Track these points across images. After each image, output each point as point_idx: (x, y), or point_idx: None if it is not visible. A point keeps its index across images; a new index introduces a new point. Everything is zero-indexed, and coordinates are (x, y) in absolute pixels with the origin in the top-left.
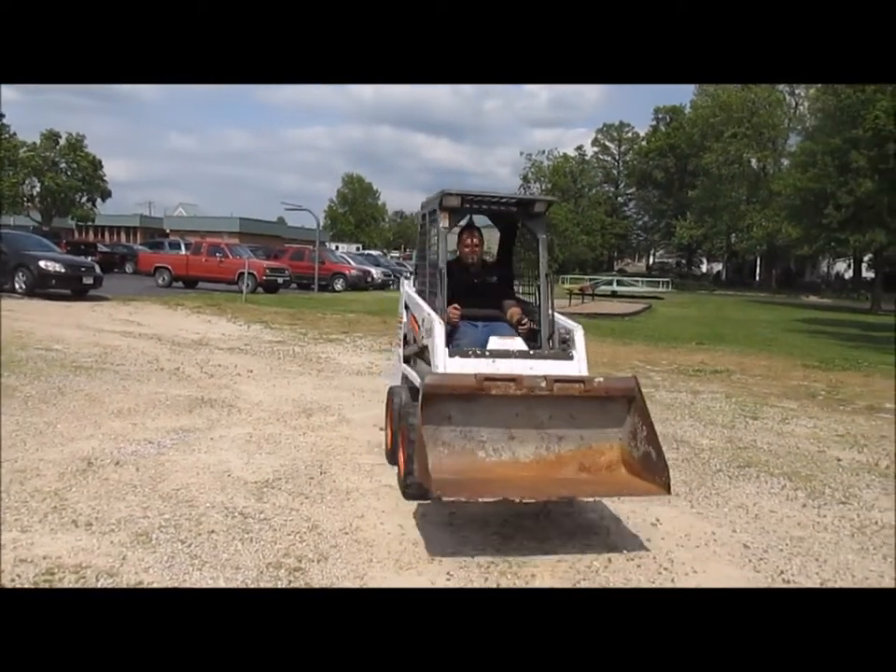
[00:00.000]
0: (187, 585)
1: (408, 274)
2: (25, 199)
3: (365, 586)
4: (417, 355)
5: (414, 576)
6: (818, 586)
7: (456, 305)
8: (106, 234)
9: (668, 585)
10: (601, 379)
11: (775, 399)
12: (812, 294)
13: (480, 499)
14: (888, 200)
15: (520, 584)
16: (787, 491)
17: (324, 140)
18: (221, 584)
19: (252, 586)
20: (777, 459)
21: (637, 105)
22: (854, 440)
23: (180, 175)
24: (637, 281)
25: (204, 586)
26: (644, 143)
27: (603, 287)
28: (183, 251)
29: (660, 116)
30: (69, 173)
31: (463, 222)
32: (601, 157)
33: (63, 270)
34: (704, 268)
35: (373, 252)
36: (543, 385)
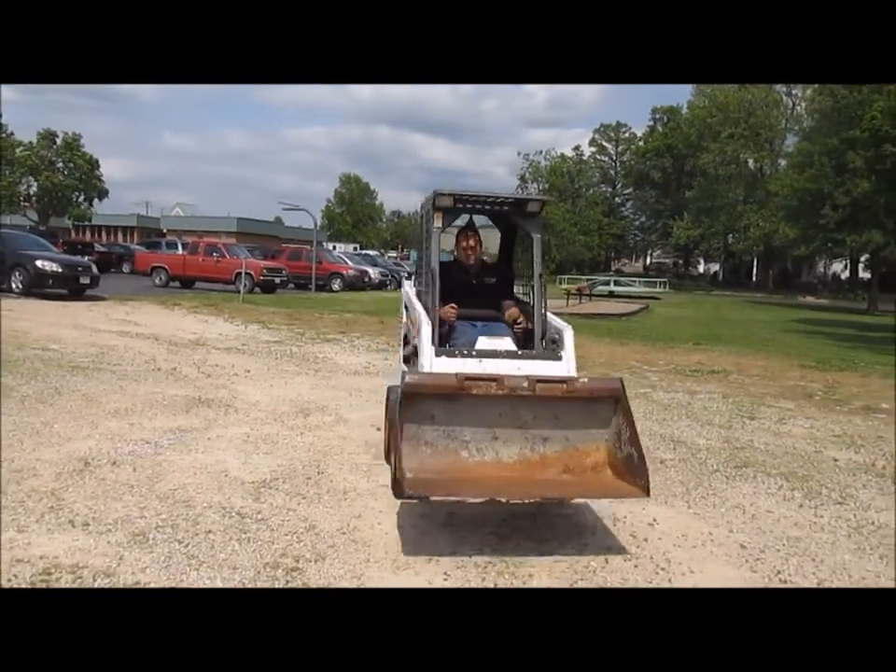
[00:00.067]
0: (184, 585)
1: (407, 274)
2: (22, 198)
3: (362, 586)
4: (413, 354)
5: (412, 576)
6: (814, 586)
7: (453, 305)
8: (103, 234)
9: (665, 585)
10: (585, 380)
11: (772, 400)
12: (809, 294)
13: (457, 499)
14: (884, 200)
15: (517, 584)
16: (784, 491)
17: (322, 140)
18: (218, 584)
19: (249, 586)
20: (773, 459)
21: (635, 106)
22: (851, 440)
23: (177, 175)
24: (635, 281)
25: (201, 586)
26: (641, 143)
27: (600, 288)
28: (180, 251)
29: (657, 116)
30: (66, 172)
31: (461, 222)
32: (598, 157)
33: (59, 269)
34: (701, 268)
35: (371, 252)
36: (525, 385)
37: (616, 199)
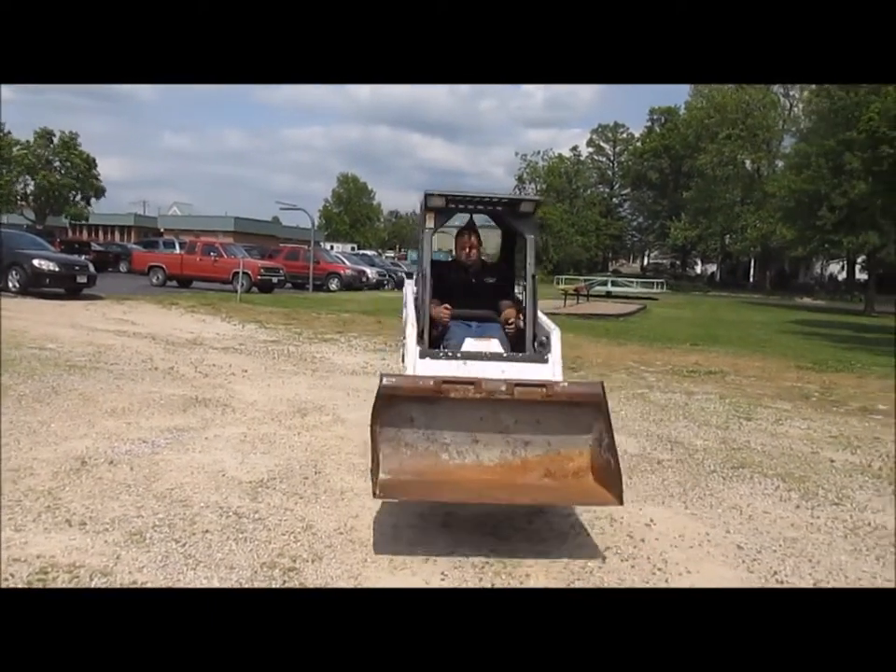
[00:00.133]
0: (181, 585)
1: (407, 274)
2: (19, 197)
3: (360, 586)
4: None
5: (409, 576)
6: (811, 586)
7: (447, 305)
8: (100, 233)
9: (662, 585)
10: (565, 384)
11: (768, 401)
12: (806, 295)
13: (432, 500)
14: (881, 202)
15: (514, 584)
16: (780, 492)
17: (320, 140)
18: (215, 584)
19: (246, 586)
20: (770, 460)
21: (632, 107)
22: (847, 441)
23: (175, 175)
24: (632, 282)
25: (198, 586)
26: (639, 144)
27: (598, 288)
28: (177, 250)
29: (655, 117)
30: (63, 171)
31: (458, 222)
32: (596, 157)
33: (56, 268)
34: (698, 269)
35: (368, 252)
36: (503, 388)
37: (613, 199)
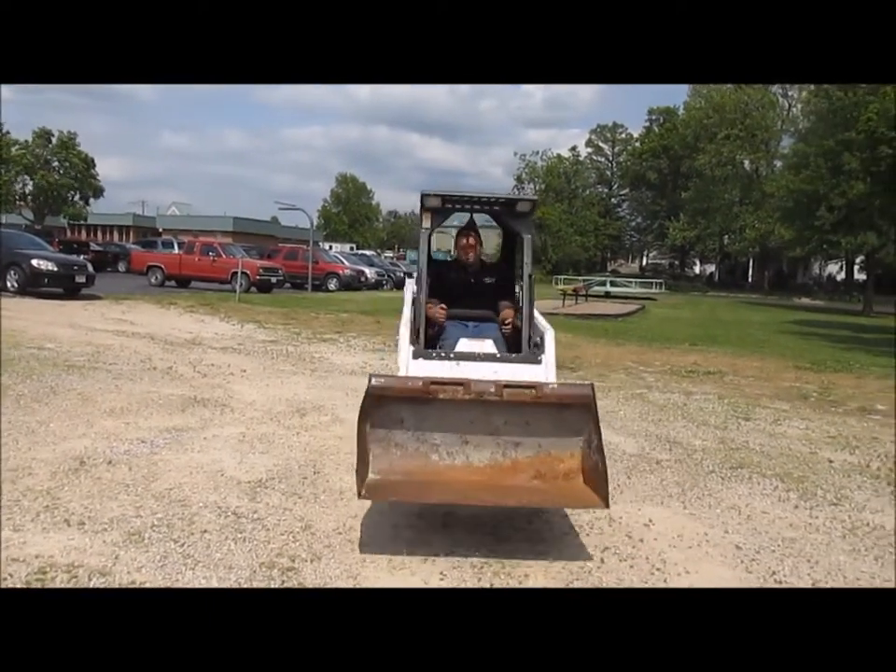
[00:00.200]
0: (179, 585)
1: (408, 274)
2: (17, 197)
3: (358, 586)
4: None
5: (408, 576)
6: (809, 586)
7: (443, 305)
8: (99, 233)
9: (661, 586)
10: (554, 385)
11: (767, 401)
12: (804, 296)
13: (420, 502)
14: (879, 202)
15: (513, 584)
16: (779, 492)
17: (319, 140)
18: (214, 584)
19: (245, 586)
20: (769, 460)
21: (631, 107)
22: (846, 441)
23: (174, 174)
24: (631, 282)
25: (197, 586)
26: (637, 144)
27: (596, 288)
28: (176, 250)
29: (653, 117)
30: (61, 171)
31: (457, 221)
32: (595, 158)
33: (55, 268)
34: (697, 269)
35: (367, 252)
36: (492, 390)
37: (612, 200)
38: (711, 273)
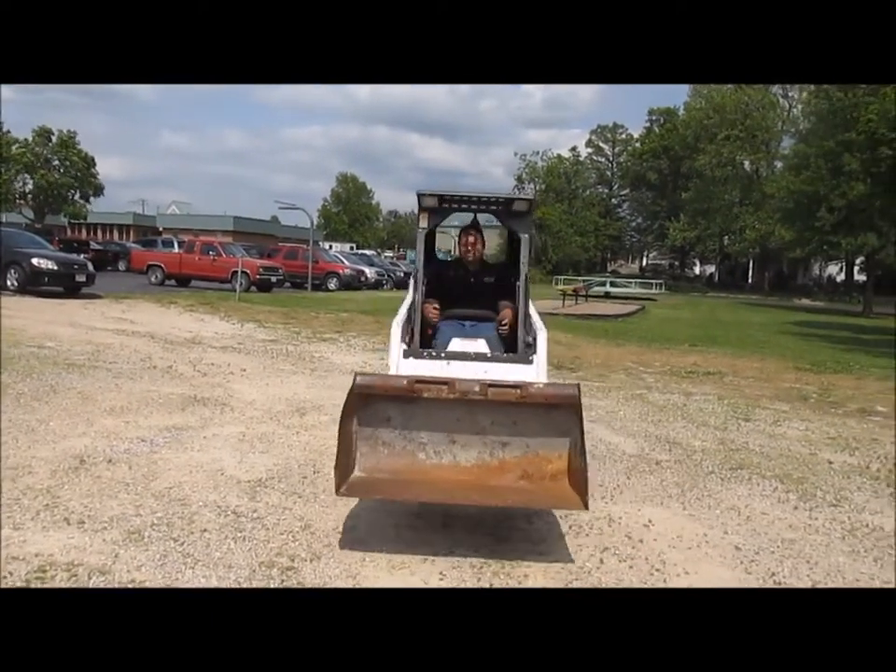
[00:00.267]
0: (179, 583)
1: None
2: (17, 196)
3: (358, 586)
4: None
5: (407, 575)
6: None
7: (436, 305)
8: (99, 232)
9: (661, 586)
10: (540, 385)
11: (767, 402)
12: (804, 297)
13: (404, 500)
14: (880, 203)
15: (512, 584)
16: (778, 493)
17: (319, 139)
18: (213, 583)
19: (244, 585)
20: (768, 461)
21: (631, 107)
22: (845, 442)
23: (174, 174)
24: (631, 282)
25: (197, 585)
26: (638, 144)
27: (596, 289)
28: (176, 249)
29: (654, 117)
30: (62, 170)
31: (456, 221)
32: (595, 158)
33: (55, 267)
34: (697, 270)
35: (367, 251)
36: (477, 389)
37: (612, 200)
38: (711, 274)
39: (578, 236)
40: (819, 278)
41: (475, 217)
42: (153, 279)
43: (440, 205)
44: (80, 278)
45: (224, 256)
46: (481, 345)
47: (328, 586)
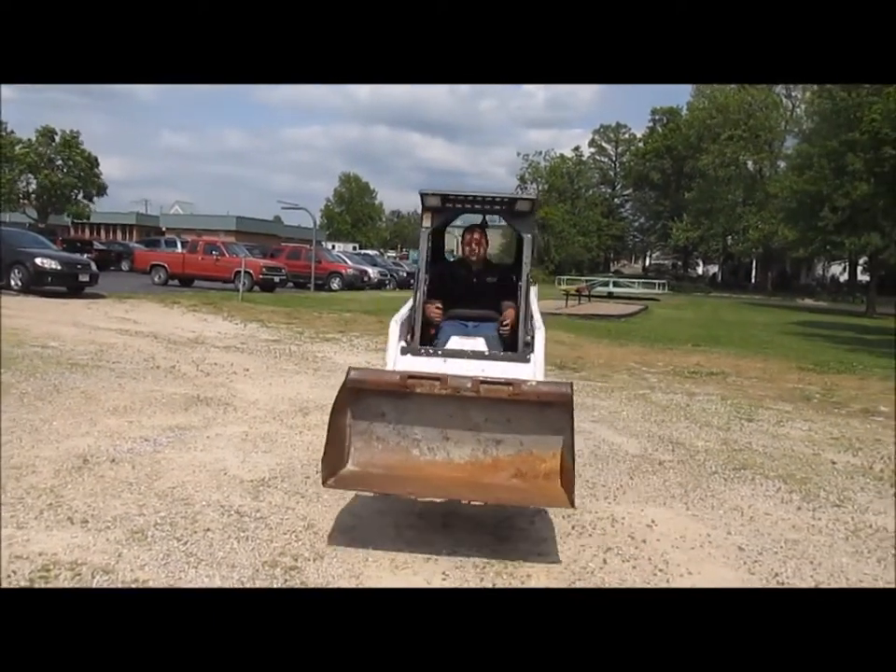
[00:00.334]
0: (182, 583)
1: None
2: (21, 196)
3: (361, 586)
4: None
5: (410, 575)
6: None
7: (439, 304)
8: (102, 232)
9: (664, 586)
10: (533, 382)
11: (770, 402)
12: (807, 297)
13: (394, 494)
14: (883, 203)
15: (515, 584)
16: (782, 494)
17: (320, 140)
18: (217, 582)
19: (248, 585)
20: (772, 462)
21: (634, 107)
22: (849, 443)
23: (176, 174)
24: (634, 282)
25: (200, 584)
26: (641, 144)
27: (599, 289)
28: (179, 249)
29: (657, 117)
30: (65, 170)
31: (459, 221)
32: (598, 158)
33: (59, 267)
34: (700, 270)
35: (370, 251)
36: (469, 385)
37: (615, 200)
38: (714, 274)
39: (581, 236)
40: (822, 278)
41: (484, 217)
42: (156, 279)
43: (442, 205)
44: (84, 278)
45: (227, 256)
46: (479, 344)
47: (331, 586)
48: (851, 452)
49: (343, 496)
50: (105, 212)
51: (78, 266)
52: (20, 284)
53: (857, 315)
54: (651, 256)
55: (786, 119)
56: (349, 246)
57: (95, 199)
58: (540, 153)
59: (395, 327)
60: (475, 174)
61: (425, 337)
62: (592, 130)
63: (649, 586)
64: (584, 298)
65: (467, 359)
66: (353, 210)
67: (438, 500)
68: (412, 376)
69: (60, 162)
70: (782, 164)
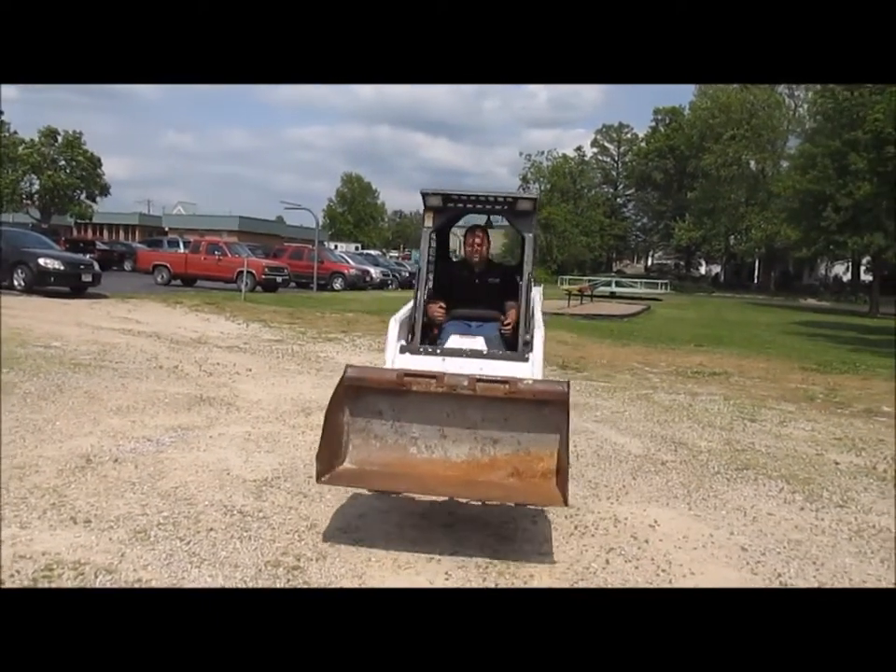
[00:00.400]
0: (185, 583)
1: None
2: (24, 196)
3: (364, 586)
4: None
5: (413, 575)
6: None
7: (442, 304)
8: (105, 232)
9: (666, 586)
10: (529, 381)
11: (773, 402)
12: (810, 297)
13: (389, 491)
14: (886, 203)
15: (518, 584)
16: (785, 494)
17: (322, 139)
18: (220, 582)
19: (250, 584)
20: (775, 462)
21: (636, 107)
22: (852, 443)
23: (179, 174)
24: (636, 282)
25: (203, 584)
26: (643, 144)
27: (602, 289)
28: (182, 249)
29: (659, 117)
30: (68, 170)
31: (462, 222)
32: (600, 158)
33: (61, 267)
34: (702, 270)
35: (372, 251)
36: (465, 383)
37: (618, 200)
38: (717, 274)
39: (583, 236)
40: (825, 278)
41: (489, 218)
42: (159, 279)
43: (444, 204)
44: (86, 278)
45: (230, 256)
46: (479, 343)
47: (333, 586)
48: (854, 452)
49: (345, 496)
50: (107, 212)
51: (81, 266)
52: (23, 284)
53: (860, 315)
54: (653, 256)
55: (788, 119)
56: (351, 247)
57: (98, 199)
58: (543, 153)
59: (394, 325)
60: (478, 174)
61: (428, 337)
62: (594, 130)
63: (651, 586)
64: (587, 298)
65: (465, 358)
66: (355, 210)
67: (440, 500)
68: (408, 374)
69: (63, 163)
70: (785, 164)
